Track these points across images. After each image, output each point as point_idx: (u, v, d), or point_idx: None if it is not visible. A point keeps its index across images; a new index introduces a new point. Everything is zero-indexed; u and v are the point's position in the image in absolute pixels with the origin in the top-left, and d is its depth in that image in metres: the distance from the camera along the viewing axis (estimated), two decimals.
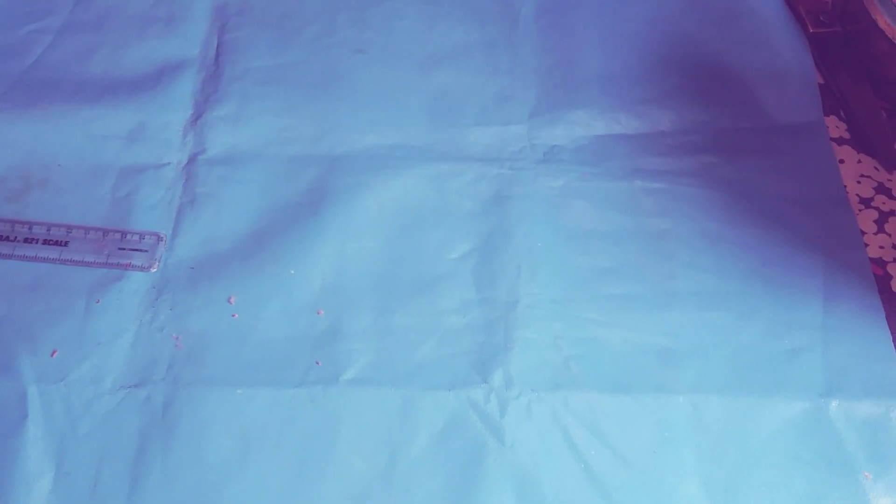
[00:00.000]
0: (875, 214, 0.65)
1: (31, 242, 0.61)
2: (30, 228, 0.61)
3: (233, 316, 0.58)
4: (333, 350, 0.57)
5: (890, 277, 0.62)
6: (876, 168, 0.68)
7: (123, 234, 0.61)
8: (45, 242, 0.61)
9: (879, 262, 0.63)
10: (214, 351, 0.57)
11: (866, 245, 0.64)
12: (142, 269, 0.60)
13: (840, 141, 0.70)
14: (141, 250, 0.61)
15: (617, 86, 0.71)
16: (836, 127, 0.70)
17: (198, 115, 0.67)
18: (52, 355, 0.56)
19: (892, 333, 0.59)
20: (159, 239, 0.61)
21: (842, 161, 0.68)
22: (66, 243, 0.61)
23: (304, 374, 0.56)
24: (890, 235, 0.64)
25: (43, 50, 0.70)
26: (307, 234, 0.62)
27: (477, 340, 0.58)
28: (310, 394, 0.56)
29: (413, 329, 0.59)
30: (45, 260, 0.60)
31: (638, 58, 0.74)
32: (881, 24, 0.69)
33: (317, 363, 0.57)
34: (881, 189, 0.67)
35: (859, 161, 0.68)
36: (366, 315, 0.59)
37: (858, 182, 0.67)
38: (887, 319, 0.60)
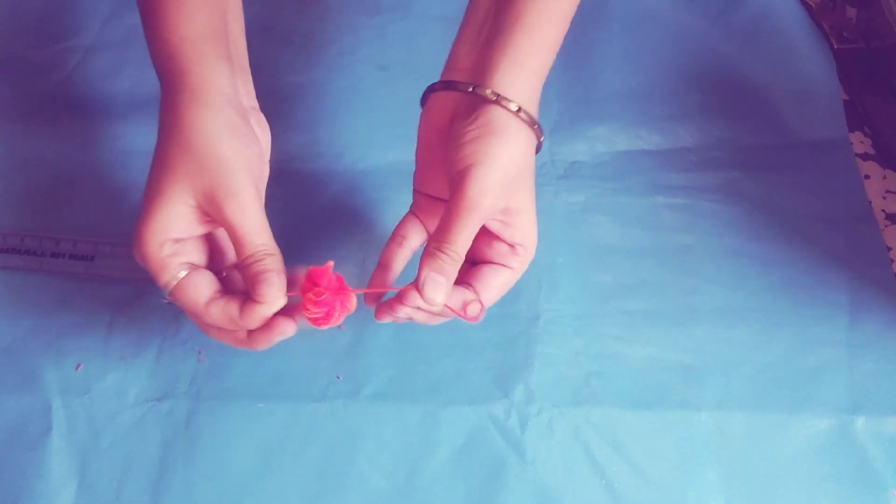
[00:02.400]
0: None
1: (57, 257, 0.62)
2: (56, 243, 0.62)
3: None
4: (354, 365, 0.58)
5: None
6: None
7: None
8: (72, 257, 0.62)
9: None
10: (236, 365, 0.57)
11: (892, 261, 0.63)
12: None
13: (865, 157, 0.69)
14: None
15: (639, 101, 0.71)
16: (860, 143, 0.70)
17: None
18: (76, 368, 0.57)
19: None
20: None
21: (867, 177, 0.68)
22: (92, 258, 0.61)
23: (324, 389, 0.57)
24: None
25: (71, 68, 0.71)
26: (328, 248, 0.62)
27: (497, 355, 0.58)
28: (330, 408, 0.56)
29: (433, 344, 0.59)
30: (72, 275, 0.61)
31: (660, 73, 0.73)
32: None
33: (337, 378, 0.57)
34: None
35: (885, 177, 0.68)
36: (386, 329, 0.59)
37: (884, 198, 0.67)
38: None
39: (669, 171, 0.68)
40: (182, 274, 0.48)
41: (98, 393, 0.56)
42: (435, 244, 0.47)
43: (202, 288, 0.48)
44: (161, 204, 0.47)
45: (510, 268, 0.50)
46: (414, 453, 0.55)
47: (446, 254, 0.46)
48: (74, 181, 0.65)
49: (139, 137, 0.67)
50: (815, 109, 0.71)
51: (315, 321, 0.47)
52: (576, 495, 0.53)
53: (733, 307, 0.61)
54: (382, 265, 0.52)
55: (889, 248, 0.63)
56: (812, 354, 0.58)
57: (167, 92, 0.50)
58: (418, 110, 0.65)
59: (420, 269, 0.47)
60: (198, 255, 0.50)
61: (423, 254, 0.47)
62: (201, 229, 0.49)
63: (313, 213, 0.64)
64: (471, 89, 0.48)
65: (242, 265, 0.47)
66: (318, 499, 0.53)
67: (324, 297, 0.46)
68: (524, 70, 0.49)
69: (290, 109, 0.70)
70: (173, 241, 0.48)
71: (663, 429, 0.56)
